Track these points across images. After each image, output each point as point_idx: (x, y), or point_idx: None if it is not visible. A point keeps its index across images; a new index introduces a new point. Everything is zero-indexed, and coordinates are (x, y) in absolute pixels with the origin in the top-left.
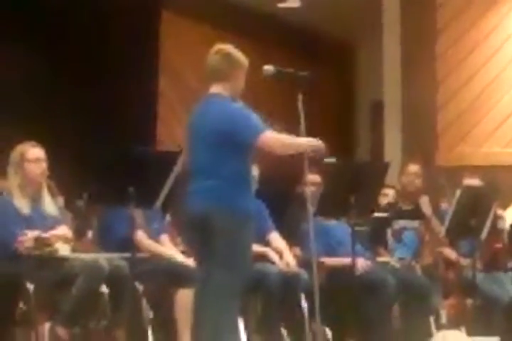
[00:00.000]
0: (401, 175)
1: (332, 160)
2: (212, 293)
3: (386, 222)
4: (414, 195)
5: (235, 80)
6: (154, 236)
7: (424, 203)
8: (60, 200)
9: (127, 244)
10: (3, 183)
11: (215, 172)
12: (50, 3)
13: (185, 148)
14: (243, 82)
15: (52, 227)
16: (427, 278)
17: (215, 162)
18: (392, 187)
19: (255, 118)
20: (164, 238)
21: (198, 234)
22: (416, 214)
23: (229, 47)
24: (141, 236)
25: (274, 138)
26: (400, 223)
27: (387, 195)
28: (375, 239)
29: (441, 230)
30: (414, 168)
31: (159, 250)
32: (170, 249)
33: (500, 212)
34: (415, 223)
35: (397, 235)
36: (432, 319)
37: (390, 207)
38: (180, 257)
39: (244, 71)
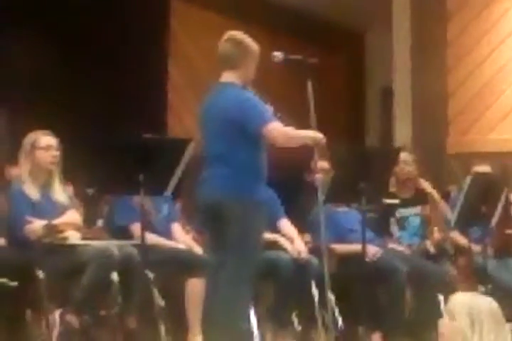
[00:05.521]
0: None
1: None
2: (224, 280)
3: (390, 211)
4: (409, 183)
5: (246, 68)
6: (163, 224)
7: (425, 185)
8: (69, 189)
9: (128, 233)
10: (16, 171)
11: (228, 160)
12: None
13: (199, 136)
14: (254, 69)
15: (61, 214)
16: (440, 252)
17: (227, 150)
18: None
19: (263, 108)
20: (176, 226)
21: (210, 221)
22: (418, 199)
23: (240, 34)
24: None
25: (278, 130)
26: (400, 212)
27: None
28: (383, 226)
29: (452, 217)
30: (402, 155)
31: (162, 243)
32: (181, 237)
33: None
34: (416, 209)
35: (401, 223)
36: (442, 305)
37: (391, 197)
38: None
39: (255, 58)
